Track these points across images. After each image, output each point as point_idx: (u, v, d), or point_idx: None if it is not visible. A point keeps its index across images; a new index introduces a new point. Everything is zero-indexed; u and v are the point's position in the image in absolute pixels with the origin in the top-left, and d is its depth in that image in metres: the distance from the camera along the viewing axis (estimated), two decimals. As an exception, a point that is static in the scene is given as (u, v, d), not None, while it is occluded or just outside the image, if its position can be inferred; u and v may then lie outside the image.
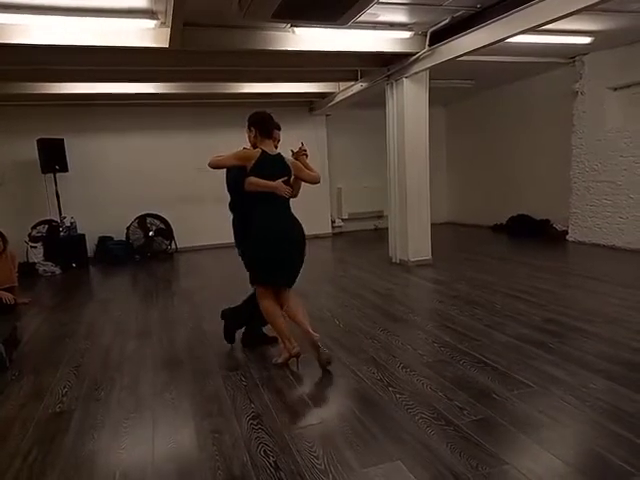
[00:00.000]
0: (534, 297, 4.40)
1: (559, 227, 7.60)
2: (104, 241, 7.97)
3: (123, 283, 6.59)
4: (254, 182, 3.03)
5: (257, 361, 3.26)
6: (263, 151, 3.07)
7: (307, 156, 3.34)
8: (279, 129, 3.27)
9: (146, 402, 2.73)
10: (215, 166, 3.16)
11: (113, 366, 3.32)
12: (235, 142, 8.64)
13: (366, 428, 2.33)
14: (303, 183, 3.33)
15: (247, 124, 3.21)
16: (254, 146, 3.18)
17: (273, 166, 3.09)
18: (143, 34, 4.46)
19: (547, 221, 7.89)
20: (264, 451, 2.16)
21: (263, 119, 3.19)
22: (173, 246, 8.28)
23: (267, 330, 3.58)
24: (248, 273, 3.28)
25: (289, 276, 3.27)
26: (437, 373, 2.93)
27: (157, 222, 8.11)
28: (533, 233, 7.89)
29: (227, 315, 3.63)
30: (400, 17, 4.68)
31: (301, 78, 6.95)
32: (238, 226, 3.39)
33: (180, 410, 2.61)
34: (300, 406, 2.62)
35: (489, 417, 2.36)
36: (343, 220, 9.89)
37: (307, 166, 3.30)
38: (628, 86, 6.28)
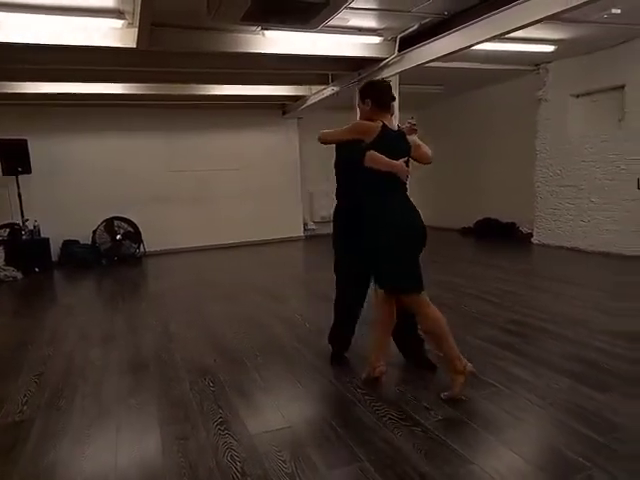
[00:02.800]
0: (500, 299, 4.50)
1: (525, 230, 7.80)
2: (69, 245, 7.75)
3: (88, 288, 6.42)
4: (376, 158, 2.56)
5: (226, 365, 3.22)
6: (384, 124, 2.62)
7: (416, 131, 2.88)
8: (394, 100, 2.78)
9: (110, 409, 2.66)
10: (327, 141, 2.82)
11: (76, 373, 3.22)
12: (207, 144, 8.69)
13: (335, 431, 2.33)
14: None
15: (359, 95, 2.77)
16: (367, 119, 2.71)
17: (396, 143, 2.66)
18: (110, 34, 4.37)
19: (513, 224, 8.08)
20: (231, 456, 2.13)
21: (381, 89, 2.72)
22: (142, 250, 8.12)
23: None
24: (385, 278, 2.72)
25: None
26: (406, 374, 2.96)
27: (125, 225, 7.94)
28: (500, 236, 8.07)
29: (332, 337, 3.29)
30: (370, 22, 4.73)
31: (273, 81, 6.94)
32: (347, 218, 2.95)
33: (145, 416, 2.55)
34: (269, 410, 2.60)
35: (456, 417, 2.40)
36: (315, 223, 9.91)
37: (419, 144, 2.86)
38: (589, 93, 6.51)
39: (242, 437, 2.29)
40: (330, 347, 3.28)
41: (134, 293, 5.85)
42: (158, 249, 8.33)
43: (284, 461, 2.07)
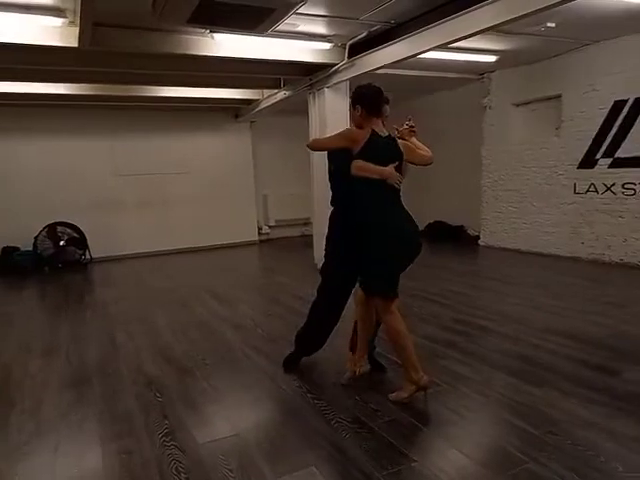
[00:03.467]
0: (447, 299, 4.64)
1: (472, 232, 8.08)
2: (9, 252, 7.34)
3: (29, 296, 6.11)
4: (362, 166, 2.53)
5: (174, 374, 3.15)
6: (373, 131, 2.60)
7: (415, 133, 2.89)
8: (387, 103, 2.70)
9: (48, 425, 2.54)
10: (318, 148, 2.89)
11: (13, 387, 3.06)
12: (157, 147, 8.47)
13: (283, 436, 2.33)
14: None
15: (350, 101, 2.73)
16: (359, 127, 2.68)
17: (384, 149, 2.63)
18: (50, 32, 4.19)
19: (462, 227, 8.36)
20: (176, 468, 2.09)
21: (372, 95, 2.66)
22: (87, 256, 7.81)
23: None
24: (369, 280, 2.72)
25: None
26: (355, 377, 2.99)
27: (69, 230, 7.60)
28: (449, 238, 8.32)
29: (300, 339, 3.17)
30: (319, 29, 4.77)
31: (225, 84, 6.86)
32: (337, 222, 2.90)
33: (86, 432, 2.46)
34: (217, 419, 2.57)
35: (401, 417, 2.45)
36: (270, 227, 9.86)
37: (417, 146, 2.85)
38: (529, 102, 6.83)
39: (188, 448, 2.25)
40: (292, 349, 3.19)
41: (78, 301, 5.61)
42: (105, 255, 8.04)
43: (231, 470, 2.05)
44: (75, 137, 7.93)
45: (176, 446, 2.26)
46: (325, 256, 3.02)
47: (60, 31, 4.19)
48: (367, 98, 2.66)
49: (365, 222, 2.62)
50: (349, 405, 2.62)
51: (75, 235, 7.65)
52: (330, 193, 2.93)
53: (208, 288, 5.73)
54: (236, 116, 9.02)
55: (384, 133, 2.66)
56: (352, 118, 2.75)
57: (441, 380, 2.85)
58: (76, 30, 4.05)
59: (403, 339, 2.61)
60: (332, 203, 2.96)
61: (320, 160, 6.25)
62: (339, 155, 2.70)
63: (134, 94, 6.88)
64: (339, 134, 2.72)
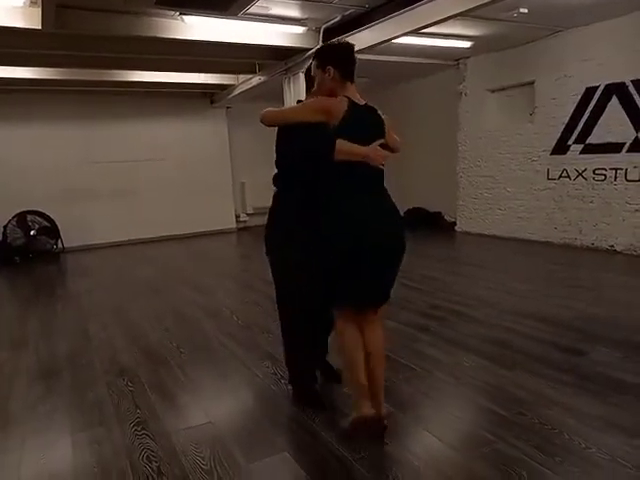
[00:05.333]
0: (423, 285, 4.69)
1: (449, 218, 8.16)
2: (-23, 242, 7.14)
3: (-1, 288, 5.96)
4: (347, 149, 2.02)
5: (147, 364, 3.12)
6: (350, 100, 2.08)
7: None
8: (355, 65, 2.21)
9: (16, 418, 2.49)
10: (273, 122, 2.20)
11: (-20, 381, 2.99)
12: (131, 133, 8.27)
13: (257, 423, 2.33)
14: None
15: (316, 61, 2.18)
16: (329, 94, 2.13)
17: (368, 123, 2.14)
18: (12, 13, 4.03)
19: (439, 213, 8.43)
20: (147, 457, 2.07)
21: (348, 53, 2.17)
22: (59, 246, 7.63)
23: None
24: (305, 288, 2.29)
25: (380, 291, 2.22)
26: (330, 362, 3.00)
27: (40, 219, 7.41)
28: (427, 225, 8.38)
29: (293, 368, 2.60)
30: (292, 12, 4.69)
31: (198, 68, 6.73)
32: (289, 214, 2.34)
33: (56, 423, 2.42)
34: (190, 407, 2.55)
35: (375, 402, 2.47)
36: (248, 215, 9.79)
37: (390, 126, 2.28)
38: (503, 89, 6.88)
39: (160, 436, 2.23)
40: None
41: (50, 292, 5.49)
42: (78, 245, 7.87)
43: (202, 457, 2.04)
44: (45, 123, 7.71)
45: (148, 435, 2.24)
46: (280, 268, 2.39)
47: (22, 12, 4.04)
48: (342, 56, 2.15)
49: (324, 213, 2.12)
50: (323, 390, 2.62)
51: (46, 224, 7.46)
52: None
53: (184, 276, 5.68)
54: (211, 102, 8.88)
55: (361, 102, 2.14)
56: (319, 85, 2.19)
57: (415, 364, 2.88)
58: (39, 11, 3.91)
59: (353, 358, 2.13)
60: (280, 186, 2.39)
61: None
62: (303, 131, 2.11)
63: (105, 79, 6.70)
64: (308, 105, 2.19)
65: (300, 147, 2.20)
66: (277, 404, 2.51)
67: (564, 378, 2.61)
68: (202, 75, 7.28)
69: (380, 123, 2.17)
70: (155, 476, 1.94)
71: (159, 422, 2.36)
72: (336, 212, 2.08)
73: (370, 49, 4.97)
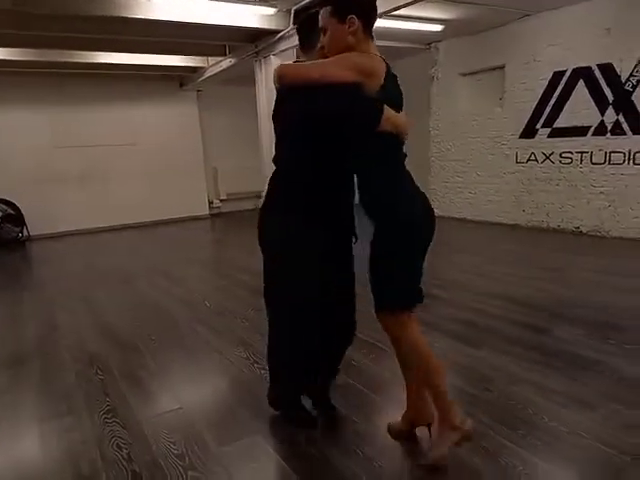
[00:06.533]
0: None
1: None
2: (-64, 231, 6.86)
3: (-38, 278, 5.75)
4: (395, 119, 1.72)
5: (117, 351, 3.07)
6: (385, 62, 1.73)
7: None
8: None
9: (-20, 409, 2.43)
10: (296, 80, 1.71)
11: (-59, 373, 2.89)
12: (98, 117, 8.02)
13: (229, 407, 2.33)
14: None
15: (330, 9, 1.72)
16: (347, 50, 1.71)
17: (398, 91, 1.82)
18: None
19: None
20: (117, 444, 2.05)
21: (370, 2, 1.78)
22: (25, 233, 7.40)
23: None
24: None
25: None
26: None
27: (4, 207, 7.16)
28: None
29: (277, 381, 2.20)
30: (262, -8, 4.61)
31: (166, 50, 6.53)
32: (302, 197, 1.89)
33: (22, 414, 2.36)
34: (161, 394, 2.53)
35: (347, 383, 2.49)
36: (221, 201, 9.67)
37: None
38: (474, 73, 6.93)
39: (130, 424, 2.20)
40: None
41: (15, 281, 5.33)
42: (45, 232, 7.64)
43: (173, 442, 2.03)
44: (7, 106, 7.39)
45: (117, 423, 2.22)
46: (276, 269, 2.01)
47: (-25, -13, 3.84)
48: (369, 3, 1.76)
49: (384, 203, 1.76)
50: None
51: (11, 212, 7.22)
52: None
53: (155, 264, 5.59)
54: (181, 85, 8.67)
55: None
56: (334, 39, 1.73)
57: (383, 344, 2.91)
58: (-6, -13, 3.73)
59: (432, 364, 1.82)
60: (297, 166, 1.90)
61: (269, 129, 6.12)
62: (333, 93, 1.66)
63: (69, 60, 6.46)
64: (343, 61, 1.66)
65: (333, 112, 1.71)
66: (249, 388, 2.51)
67: (530, 356, 2.69)
68: (171, 57, 7.10)
69: (401, 92, 1.86)
70: (125, 463, 1.92)
71: (129, 410, 2.33)
72: (407, 194, 1.79)
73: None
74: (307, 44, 1.96)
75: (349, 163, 1.84)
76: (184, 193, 8.92)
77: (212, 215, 9.42)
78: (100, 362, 2.91)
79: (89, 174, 8.13)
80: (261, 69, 6.02)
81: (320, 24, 1.77)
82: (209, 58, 7.30)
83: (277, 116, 1.93)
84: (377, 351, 2.82)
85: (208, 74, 7.50)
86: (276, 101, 1.91)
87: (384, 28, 5.58)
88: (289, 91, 1.78)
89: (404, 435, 2.00)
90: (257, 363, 2.78)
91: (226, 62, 6.74)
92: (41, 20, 4.67)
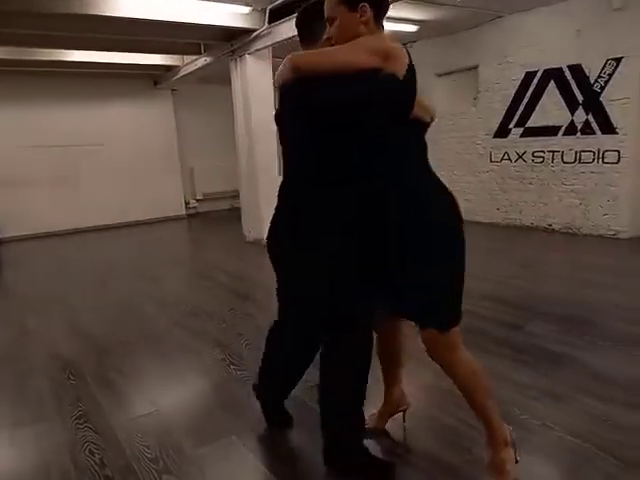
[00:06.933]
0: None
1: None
2: None
3: None
4: (425, 101, 1.67)
5: (91, 355, 3.01)
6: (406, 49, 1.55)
7: None
8: None
9: (-54, 418, 2.35)
10: (314, 67, 1.52)
11: None
12: (69, 117, 7.84)
13: (204, 409, 2.32)
14: None
15: None
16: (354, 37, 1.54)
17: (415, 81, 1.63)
18: None
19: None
20: (89, 450, 2.01)
21: None
22: (-5, 236, 7.20)
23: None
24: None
25: None
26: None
27: (-28, 209, 6.95)
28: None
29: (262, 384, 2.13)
30: (237, -10, 4.58)
31: (139, 48, 6.42)
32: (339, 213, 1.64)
33: (-9, 420, 2.31)
34: (135, 397, 2.49)
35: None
36: (198, 201, 9.57)
37: None
38: (450, 73, 7.02)
39: (103, 428, 2.17)
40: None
41: (-15, 285, 5.19)
42: (16, 235, 7.44)
43: (147, 446, 2.01)
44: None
45: (90, 428, 2.18)
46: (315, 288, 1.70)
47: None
48: None
49: (424, 201, 1.61)
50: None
51: (-21, 214, 7.00)
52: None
53: (130, 265, 5.51)
54: (155, 83, 8.54)
55: None
56: (343, 28, 1.58)
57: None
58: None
59: (484, 385, 1.70)
60: (311, 178, 1.67)
61: (246, 128, 6.09)
62: (347, 83, 1.50)
63: (38, 58, 6.29)
64: (363, 45, 1.51)
65: (362, 100, 1.49)
66: (225, 390, 2.50)
67: (502, 351, 2.74)
68: (144, 55, 6.97)
69: None
70: (98, 468, 1.89)
71: (102, 414, 2.29)
72: (439, 188, 1.66)
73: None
74: (310, 36, 1.77)
75: (363, 158, 1.60)
76: (160, 193, 8.80)
77: (189, 215, 9.32)
78: (73, 366, 2.85)
79: (61, 175, 7.93)
80: (237, 68, 5.98)
81: (326, 14, 1.62)
82: (184, 57, 7.22)
83: (288, 117, 1.69)
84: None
85: (183, 73, 7.41)
86: (284, 101, 1.70)
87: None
88: (303, 84, 1.54)
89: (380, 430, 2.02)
90: (233, 364, 2.76)
91: (201, 61, 6.67)
92: (4, 17, 4.54)
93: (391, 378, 2.02)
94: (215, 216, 9.26)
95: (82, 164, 8.08)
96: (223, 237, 7.14)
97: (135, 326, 3.50)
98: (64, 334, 3.42)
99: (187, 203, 9.40)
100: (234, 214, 9.18)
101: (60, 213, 7.91)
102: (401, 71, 1.46)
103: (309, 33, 1.79)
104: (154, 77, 8.44)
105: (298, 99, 1.61)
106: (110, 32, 5.18)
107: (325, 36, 1.66)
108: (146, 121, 8.57)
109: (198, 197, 9.49)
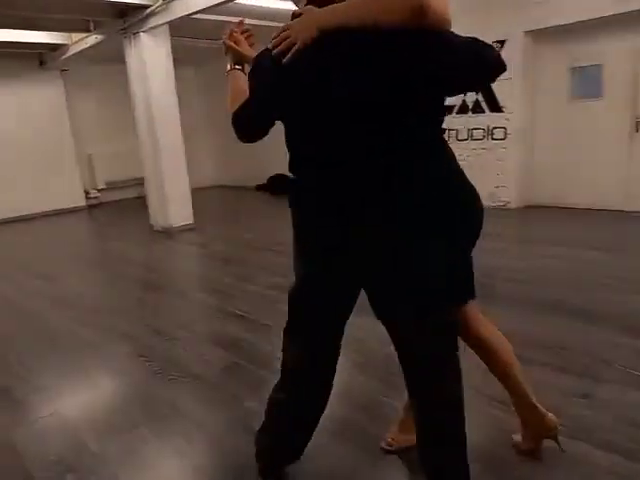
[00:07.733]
0: (284, 247, 4.79)
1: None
2: None
3: None
4: None
5: (-22, 362, 2.76)
6: None
7: None
8: None
9: None
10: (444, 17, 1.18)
11: None
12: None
13: (110, 403, 2.25)
14: None
15: None
16: None
17: None
18: None
19: (301, 178, 8.59)
20: (-22, 461, 1.86)
21: None
22: None
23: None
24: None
25: None
26: (191, 332, 2.96)
27: None
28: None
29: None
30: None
31: (16, 24, 5.79)
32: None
33: None
34: (32, 401, 2.32)
35: (234, 364, 2.50)
36: (100, 190, 8.96)
37: None
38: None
39: (-4, 437, 2.01)
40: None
41: None
42: None
43: (48, 449, 1.89)
44: None
45: (-20, 440, 2.01)
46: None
47: None
48: None
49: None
50: (185, 361, 2.58)
51: None
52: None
53: (23, 263, 5.08)
54: (41, 63, 7.79)
55: None
56: None
57: (274, 323, 2.95)
58: None
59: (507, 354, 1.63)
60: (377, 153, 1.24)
61: (145, 109, 5.75)
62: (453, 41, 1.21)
63: None
64: None
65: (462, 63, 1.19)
66: (134, 382, 2.42)
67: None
68: (26, 33, 6.34)
69: None
70: (-9, 480, 1.76)
71: (-7, 423, 2.12)
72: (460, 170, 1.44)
73: (214, 8, 4.73)
74: None
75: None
76: (54, 184, 8.10)
77: (90, 206, 8.70)
78: (-43, 375, 2.59)
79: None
80: (131, 46, 5.63)
81: None
82: (72, 35, 6.65)
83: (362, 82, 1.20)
84: (268, 330, 2.86)
85: (72, 52, 6.83)
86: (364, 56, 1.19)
87: (266, 8, 5.50)
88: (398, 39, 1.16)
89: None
90: (142, 356, 2.67)
91: (92, 39, 6.18)
92: None
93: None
94: (120, 205, 8.75)
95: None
96: (127, 227, 6.80)
97: (30, 328, 3.25)
98: (-55, 342, 3.08)
99: (87, 193, 8.77)
100: (141, 203, 8.75)
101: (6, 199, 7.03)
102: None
103: None
104: (40, 56, 7.69)
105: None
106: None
107: None
108: (32, 105, 7.79)
109: (100, 186, 8.88)
